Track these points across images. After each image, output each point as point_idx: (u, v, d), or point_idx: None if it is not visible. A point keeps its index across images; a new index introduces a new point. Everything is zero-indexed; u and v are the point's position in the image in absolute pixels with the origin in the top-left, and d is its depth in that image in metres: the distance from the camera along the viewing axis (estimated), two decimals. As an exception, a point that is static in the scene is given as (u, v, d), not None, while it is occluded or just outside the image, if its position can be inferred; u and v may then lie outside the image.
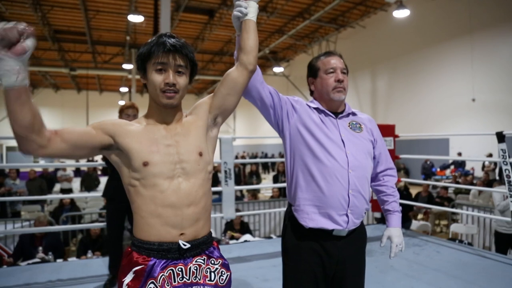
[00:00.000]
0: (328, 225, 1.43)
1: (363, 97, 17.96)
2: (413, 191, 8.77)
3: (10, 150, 28.96)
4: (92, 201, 8.47)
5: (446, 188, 8.01)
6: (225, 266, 1.27)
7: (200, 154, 1.24)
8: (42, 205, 7.62)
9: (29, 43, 0.97)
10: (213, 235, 5.81)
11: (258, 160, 5.94)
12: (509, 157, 3.37)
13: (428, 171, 12.60)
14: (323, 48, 19.33)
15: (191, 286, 1.19)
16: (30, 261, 3.95)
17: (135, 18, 12.02)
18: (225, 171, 3.82)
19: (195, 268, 1.20)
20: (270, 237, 5.31)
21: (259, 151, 28.04)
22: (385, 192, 1.62)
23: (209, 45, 19.04)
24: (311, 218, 1.44)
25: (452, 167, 12.88)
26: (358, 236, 1.52)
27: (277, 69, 20.99)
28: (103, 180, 11.16)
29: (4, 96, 0.97)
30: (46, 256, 4.16)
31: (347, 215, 1.43)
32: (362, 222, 1.56)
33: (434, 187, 9.14)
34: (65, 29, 16.13)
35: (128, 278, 1.17)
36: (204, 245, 1.24)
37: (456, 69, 13.22)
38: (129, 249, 1.22)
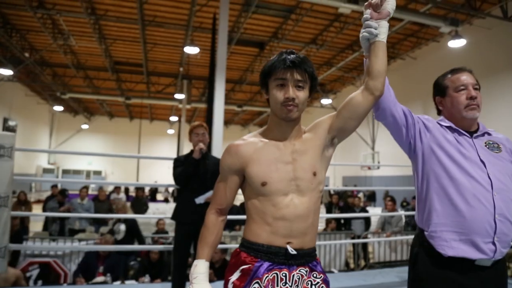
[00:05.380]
0: (471, 254, 1.26)
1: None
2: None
3: (65, 173, 30.64)
4: (142, 225, 8.51)
5: None
6: (326, 282, 1.27)
7: (314, 174, 1.26)
8: (96, 226, 7.66)
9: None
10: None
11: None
12: None
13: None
14: (372, 80, 19.04)
15: None
16: (90, 282, 3.94)
17: (191, 50, 12.48)
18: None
19: (298, 277, 1.21)
20: (331, 272, 4.97)
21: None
22: None
23: (257, 77, 19.24)
24: (451, 246, 1.28)
25: None
26: (502, 268, 1.32)
27: (325, 101, 20.87)
28: (152, 205, 11.27)
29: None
30: (105, 277, 4.13)
31: (493, 243, 1.25)
32: None
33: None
34: (124, 60, 17.15)
35: (234, 276, 1.21)
36: (308, 257, 1.26)
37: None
38: (238, 250, 1.27)
